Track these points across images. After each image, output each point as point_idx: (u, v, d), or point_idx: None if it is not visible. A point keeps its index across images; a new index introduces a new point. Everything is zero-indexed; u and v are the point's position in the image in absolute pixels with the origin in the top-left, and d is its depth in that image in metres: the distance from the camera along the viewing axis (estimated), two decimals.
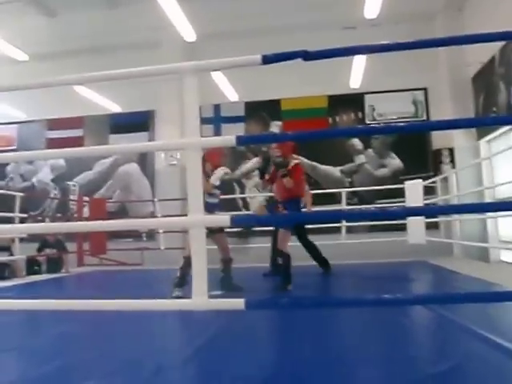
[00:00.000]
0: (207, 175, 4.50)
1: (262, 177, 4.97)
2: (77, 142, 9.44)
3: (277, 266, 5.41)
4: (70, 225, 3.27)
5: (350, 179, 8.79)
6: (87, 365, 2.29)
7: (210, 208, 4.45)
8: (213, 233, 4.53)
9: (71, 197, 9.73)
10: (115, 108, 9.74)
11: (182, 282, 4.15)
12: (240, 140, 1.73)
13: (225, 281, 4.57)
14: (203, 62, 1.84)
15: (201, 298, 1.71)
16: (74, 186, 9.92)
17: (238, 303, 1.67)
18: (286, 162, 4.64)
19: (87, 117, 9.94)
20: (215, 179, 4.49)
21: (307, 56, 1.73)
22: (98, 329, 3.21)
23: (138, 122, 9.65)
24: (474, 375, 1.97)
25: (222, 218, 1.70)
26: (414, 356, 2.32)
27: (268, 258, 5.82)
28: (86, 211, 8.77)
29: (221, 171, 4.53)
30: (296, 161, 4.81)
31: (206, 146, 1.70)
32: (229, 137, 1.74)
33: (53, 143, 9.64)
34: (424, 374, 2.00)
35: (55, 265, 7.27)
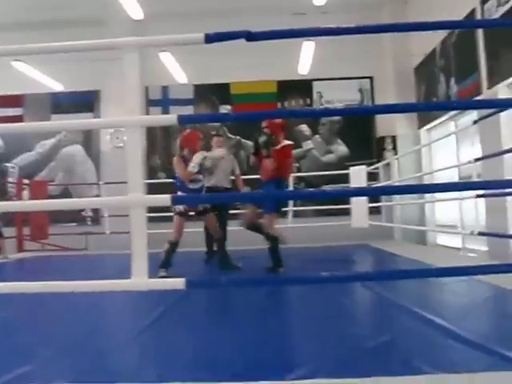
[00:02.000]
0: (186, 162, 4.48)
1: (255, 153, 4.64)
2: (16, 121, 8.93)
3: (211, 251, 5.49)
4: (5, 204, 3.11)
5: (297, 164, 8.92)
6: (26, 349, 2.23)
7: (188, 193, 4.47)
8: (202, 214, 4.68)
9: (10, 179, 9.25)
10: (57, 87, 9.29)
11: (167, 263, 4.28)
12: (181, 119, 1.72)
13: (221, 260, 4.70)
14: (145, 38, 1.81)
15: (141, 279, 1.70)
16: (13, 167, 9.44)
17: (178, 283, 1.67)
18: (275, 141, 4.43)
19: (27, 95, 9.44)
20: (193, 166, 4.42)
21: (250, 37, 1.74)
22: (37, 313, 3.12)
23: (82, 102, 9.28)
24: (407, 348, 2.09)
25: (162, 198, 1.69)
26: (351, 332, 2.42)
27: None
28: (25, 194, 8.38)
29: (198, 156, 4.47)
30: (286, 142, 4.53)
31: (146, 124, 1.67)
32: (170, 116, 1.72)
33: None
34: (361, 348, 2.10)
35: None
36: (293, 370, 1.80)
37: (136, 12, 7.07)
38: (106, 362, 2.02)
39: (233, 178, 5.73)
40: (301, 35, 1.84)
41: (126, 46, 1.73)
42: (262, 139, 4.48)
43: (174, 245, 4.40)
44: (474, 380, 1.67)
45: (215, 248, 5.10)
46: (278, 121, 4.50)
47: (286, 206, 4.86)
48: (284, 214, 4.93)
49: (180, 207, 4.35)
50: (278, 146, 4.44)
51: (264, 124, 4.51)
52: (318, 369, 1.81)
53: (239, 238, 5.62)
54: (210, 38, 1.71)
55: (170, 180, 5.71)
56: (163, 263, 4.27)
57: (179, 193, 4.51)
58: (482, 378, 1.68)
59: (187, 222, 4.62)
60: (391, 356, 1.99)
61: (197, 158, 4.44)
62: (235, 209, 6.13)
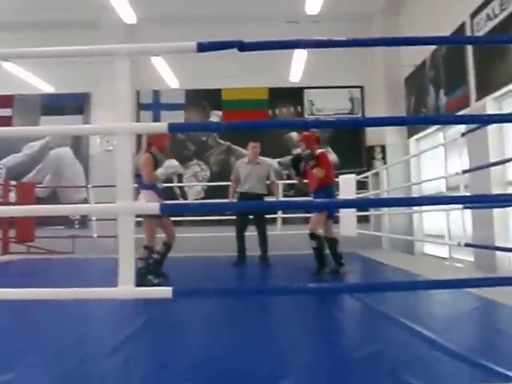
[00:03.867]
0: (155, 161, 4.28)
1: (297, 174, 5.04)
2: (4, 122, 8.84)
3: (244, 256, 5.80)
4: None
5: (287, 171, 8.93)
6: (7, 357, 2.19)
7: (159, 193, 4.35)
8: (158, 218, 4.29)
9: None
10: (48, 88, 9.22)
11: (157, 269, 4.28)
12: (172, 127, 1.71)
13: (154, 265, 4.33)
14: (137, 46, 1.80)
15: (127, 287, 1.68)
16: (0, 168, 9.33)
17: (165, 292, 1.66)
18: (313, 153, 4.78)
19: (17, 96, 9.35)
20: (162, 173, 4.25)
21: (243, 47, 1.74)
22: (20, 320, 3.07)
23: (72, 105, 9.22)
24: (394, 359, 2.09)
25: (152, 206, 1.68)
26: (339, 342, 2.42)
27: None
28: (12, 196, 8.27)
29: (170, 169, 4.29)
30: (321, 150, 4.91)
31: (137, 131, 1.66)
32: (161, 123, 1.71)
33: None
34: (347, 360, 2.10)
35: None
36: (278, 381, 1.79)
37: (129, 16, 7.07)
38: (89, 370, 1.99)
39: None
40: (293, 46, 1.85)
41: (118, 53, 1.73)
42: (306, 153, 4.83)
43: (151, 249, 4.27)
44: None
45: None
46: (311, 134, 5.00)
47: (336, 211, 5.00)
48: (334, 219, 5.06)
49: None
50: (319, 155, 4.77)
51: (298, 138, 5.00)
52: (303, 380, 1.80)
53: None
54: (203, 47, 1.72)
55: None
56: (151, 271, 4.19)
57: (147, 191, 4.25)
58: None
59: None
60: (378, 367, 1.99)
61: (168, 169, 4.27)
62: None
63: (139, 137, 8.82)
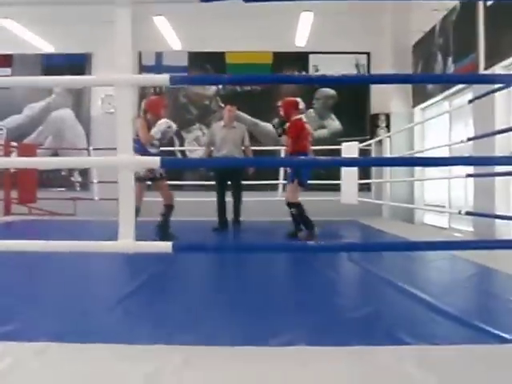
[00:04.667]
0: (149, 126, 4.50)
1: (279, 135, 5.18)
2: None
3: (225, 222, 5.87)
4: None
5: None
6: (9, 308, 2.22)
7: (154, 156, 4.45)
8: (154, 180, 4.68)
9: None
10: (48, 48, 9.04)
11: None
12: (174, 80, 1.67)
13: (161, 227, 4.65)
14: None
15: (127, 241, 1.68)
16: (1, 129, 9.27)
17: (165, 246, 1.66)
18: (284, 121, 4.98)
19: (16, 55, 9.19)
20: (156, 132, 4.44)
21: None
22: (22, 273, 3.11)
23: (73, 65, 9.03)
24: (390, 319, 2.12)
25: (152, 159, 1.66)
26: (335, 302, 2.45)
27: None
28: (13, 157, 8.25)
29: (163, 124, 4.49)
30: (296, 117, 4.92)
31: (137, 83, 1.63)
32: (163, 75, 1.67)
33: None
34: (344, 318, 2.14)
35: None
36: (276, 336, 1.82)
37: None
38: (89, 323, 2.02)
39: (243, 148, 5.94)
40: None
41: (118, 0, 1.67)
42: (275, 120, 5.11)
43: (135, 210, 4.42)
44: (454, 352, 1.70)
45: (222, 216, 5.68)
46: (291, 99, 5.11)
47: (309, 177, 5.02)
48: (308, 187, 5.10)
49: (140, 172, 4.33)
50: (291, 123, 4.87)
51: (278, 104, 5.10)
52: (301, 336, 1.83)
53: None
54: None
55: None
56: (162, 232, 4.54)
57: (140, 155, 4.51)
58: (461, 350, 1.71)
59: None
60: (373, 326, 2.02)
61: (162, 125, 4.47)
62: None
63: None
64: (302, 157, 4.34)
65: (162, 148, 4.93)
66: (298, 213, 4.85)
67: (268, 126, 8.84)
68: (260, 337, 1.82)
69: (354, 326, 2.04)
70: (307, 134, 5.11)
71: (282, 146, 5.37)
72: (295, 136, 4.83)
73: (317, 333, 1.91)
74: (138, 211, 4.48)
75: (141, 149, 4.42)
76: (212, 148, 6.00)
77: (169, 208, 4.72)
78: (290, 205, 4.93)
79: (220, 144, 5.79)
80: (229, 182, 5.94)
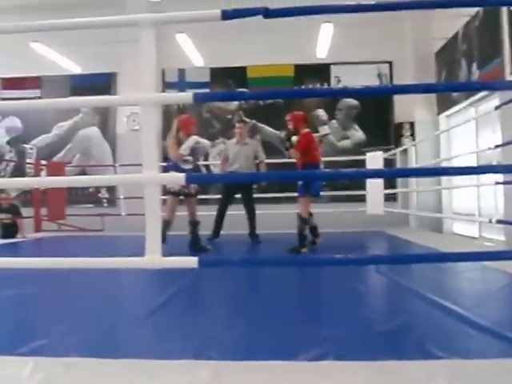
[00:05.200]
0: (180, 143, 4.75)
1: (286, 148, 5.12)
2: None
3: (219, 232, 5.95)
4: (26, 180, 3.17)
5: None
6: (41, 324, 2.27)
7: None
8: (188, 196, 4.90)
9: (28, 160, 9.38)
10: (75, 69, 9.33)
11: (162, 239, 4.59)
12: (197, 97, 1.70)
13: (193, 242, 4.90)
14: (161, 15, 1.78)
15: (154, 257, 1.70)
16: (31, 148, 9.56)
17: (191, 261, 1.68)
18: (293, 133, 4.94)
19: (45, 77, 9.49)
20: (185, 148, 4.69)
21: (267, 13, 1.70)
22: (52, 290, 3.17)
23: (99, 84, 9.29)
24: (421, 333, 2.07)
25: (177, 176, 1.68)
26: (364, 316, 2.41)
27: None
28: (43, 175, 8.48)
29: (192, 141, 4.75)
30: (304, 131, 4.93)
31: (161, 101, 1.66)
32: (186, 93, 1.71)
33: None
34: (374, 332, 2.10)
35: (10, 230, 7.05)
36: (304, 351, 1.80)
37: None
38: (119, 338, 2.04)
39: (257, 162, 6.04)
40: (319, 12, 1.79)
41: (143, 22, 1.72)
42: (284, 133, 5.08)
43: (166, 223, 4.66)
44: (488, 366, 1.65)
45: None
46: (299, 113, 5.05)
47: (320, 189, 5.04)
48: (319, 198, 5.12)
49: (175, 187, 4.62)
50: (301, 136, 4.86)
51: (287, 117, 5.02)
52: (329, 351, 1.80)
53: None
54: (227, 15, 1.69)
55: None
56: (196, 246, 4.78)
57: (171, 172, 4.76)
58: (495, 365, 1.66)
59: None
60: (404, 340, 1.98)
61: (190, 141, 4.72)
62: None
63: (169, 119, 8.88)
64: (322, 170, 4.34)
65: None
66: (300, 226, 4.83)
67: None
68: (288, 351, 1.81)
69: (383, 339, 2.00)
70: (317, 146, 5.14)
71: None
72: (304, 148, 4.84)
73: (345, 347, 1.88)
74: (169, 224, 4.75)
75: (175, 166, 4.71)
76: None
77: (195, 224, 4.94)
78: (299, 217, 4.91)
79: (233, 159, 5.99)
80: (239, 195, 6.08)
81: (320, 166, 5.09)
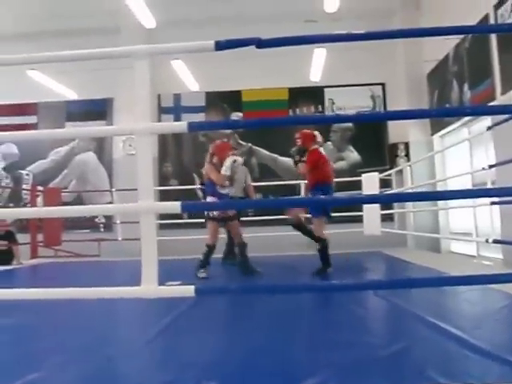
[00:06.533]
0: (216, 168, 4.88)
1: (296, 162, 5.16)
2: (30, 129, 9.05)
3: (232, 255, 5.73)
4: (22, 210, 3.16)
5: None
6: (36, 356, 2.23)
7: (222, 198, 4.81)
8: (227, 220, 4.97)
9: (24, 186, 9.37)
10: (71, 95, 9.41)
11: (205, 263, 4.71)
12: (191, 126, 1.72)
13: (243, 265, 4.90)
14: (156, 46, 1.82)
15: (150, 286, 1.69)
16: (28, 174, 9.57)
17: (187, 290, 1.67)
18: (303, 149, 4.99)
19: (41, 103, 9.58)
20: (225, 169, 4.80)
21: (260, 43, 1.73)
22: (48, 319, 3.13)
23: (95, 110, 9.38)
24: (421, 357, 2.05)
25: (172, 205, 1.69)
26: (363, 340, 2.38)
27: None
28: (39, 201, 8.46)
29: (229, 161, 4.85)
30: (314, 147, 4.99)
31: (156, 131, 1.68)
32: (180, 122, 1.72)
33: (4, 130, 9.19)
34: (373, 357, 2.07)
35: (5, 257, 6.99)
36: (303, 378, 1.78)
37: (148, 20, 7.14)
38: (115, 369, 2.01)
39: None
40: (310, 42, 1.83)
41: (137, 53, 1.74)
42: (294, 148, 5.09)
43: (211, 247, 4.79)
44: None
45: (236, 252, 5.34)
46: (308, 131, 5.13)
47: (331, 210, 5.04)
48: (331, 219, 5.15)
49: (214, 213, 4.73)
50: (309, 152, 4.94)
51: (296, 135, 5.10)
52: (329, 378, 1.78)
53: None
54: (221, 46, 1.72)
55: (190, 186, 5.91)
56: (202, 264, 4.70)
57: (210, 198, 4.93)
58: None
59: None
60: (404, 365, 1.96)
61: (228, 161, 4.84)
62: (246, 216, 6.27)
63: (163, 140, 8.94)
64: (322, 196, 4.30)
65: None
66: (321, 247, 4.79)
67: (287, 162, 8.91)
68: (288, 379, 1.78)
69: (383, 365, 1.98)
70: (327, 162, 5.16)
71: (299, 177, 5.36)
72: (313, 162, 4.86)
73: (345, 374, 1.86)
74: (213, 249, 4.82)
75: (214, 191, 4.86)
76: None
77: (242, 246, 4.97)
78: (316, 238, 4.88)
79: (233, 181, 5.97)
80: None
81: (331, 184, 5.07)
